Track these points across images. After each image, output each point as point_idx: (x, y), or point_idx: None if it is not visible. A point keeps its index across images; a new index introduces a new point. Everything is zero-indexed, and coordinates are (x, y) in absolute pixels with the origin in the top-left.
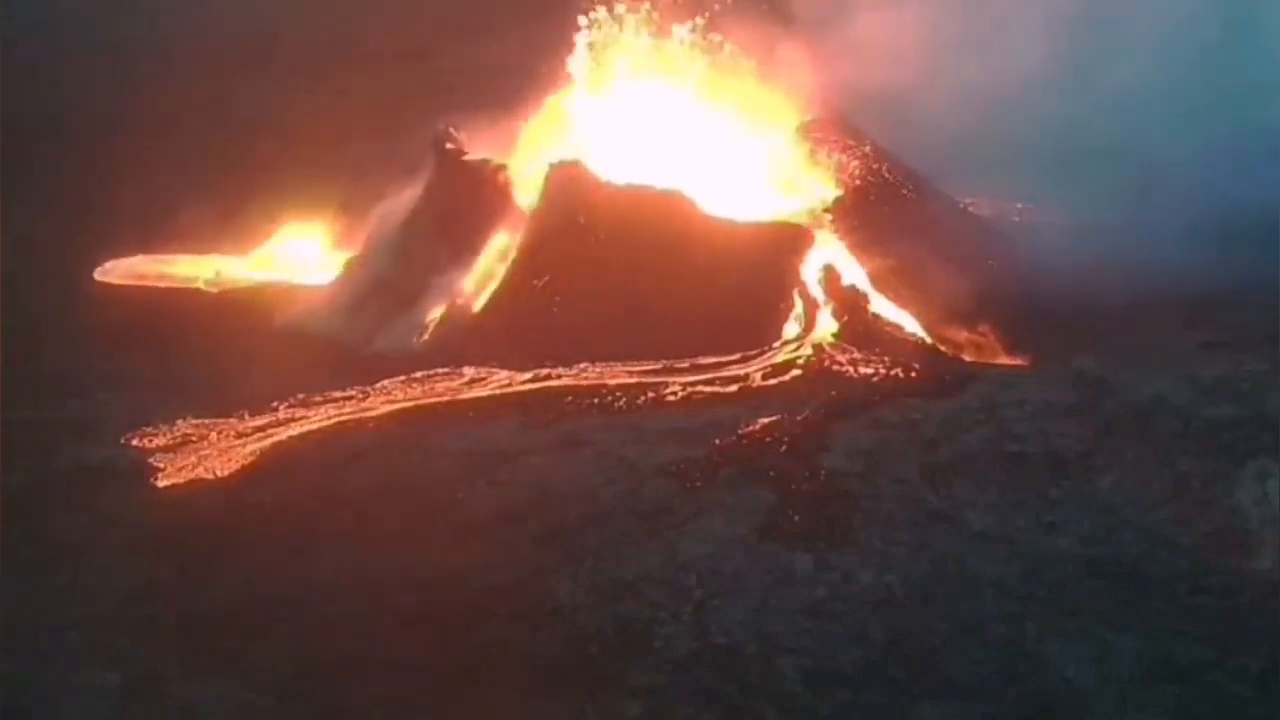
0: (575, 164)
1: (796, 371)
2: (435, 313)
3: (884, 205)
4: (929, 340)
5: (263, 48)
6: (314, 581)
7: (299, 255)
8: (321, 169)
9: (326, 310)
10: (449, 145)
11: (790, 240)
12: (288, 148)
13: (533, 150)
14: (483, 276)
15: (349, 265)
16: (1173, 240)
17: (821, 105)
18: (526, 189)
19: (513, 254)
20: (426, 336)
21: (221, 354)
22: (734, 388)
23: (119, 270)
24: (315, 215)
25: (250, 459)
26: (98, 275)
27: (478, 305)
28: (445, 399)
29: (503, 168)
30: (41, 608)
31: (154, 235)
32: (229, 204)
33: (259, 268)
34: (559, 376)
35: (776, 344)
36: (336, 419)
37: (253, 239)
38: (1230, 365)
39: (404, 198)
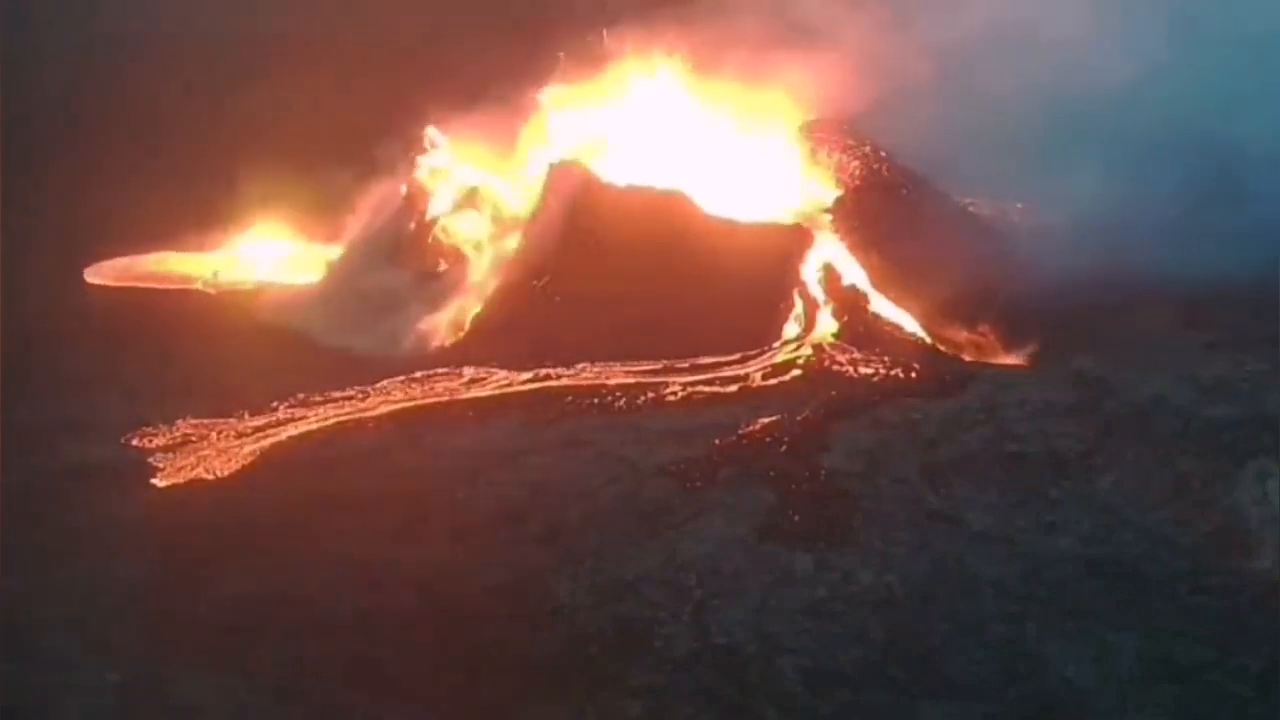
0: (575, 164)
1: (796, 371)
2: (428, 319)
3: (884, 205)
4: (929, 340)
5: (255, 48)
6: (314, 581)
7: (281, 252)
8: (307, 166)
9: (313, 310)
10: (429, 148)
11: (790, 240)
12: (276, 146)
13: (528, 151)
14: (471, 280)
15: (332, 265)
16: (1174, 240)
17: (824, 105)
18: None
19: (513, 254)
20: (413, 340)
21: (220, 355)
22: (734, 388)
23: (110, 271)
24: (300, 212)
25: (250, 459)
26: (89, 276)
27: (472, 310)
28: (445, 399)
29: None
30: (41, 607)
31: (144, 234)
32: (215, 201)
33: (249, 267)
34: (559, 376)
35: (776, 344)
36: (336, 419)
37: (240, 236)
38: (1230, 365)
39: (389, 199)
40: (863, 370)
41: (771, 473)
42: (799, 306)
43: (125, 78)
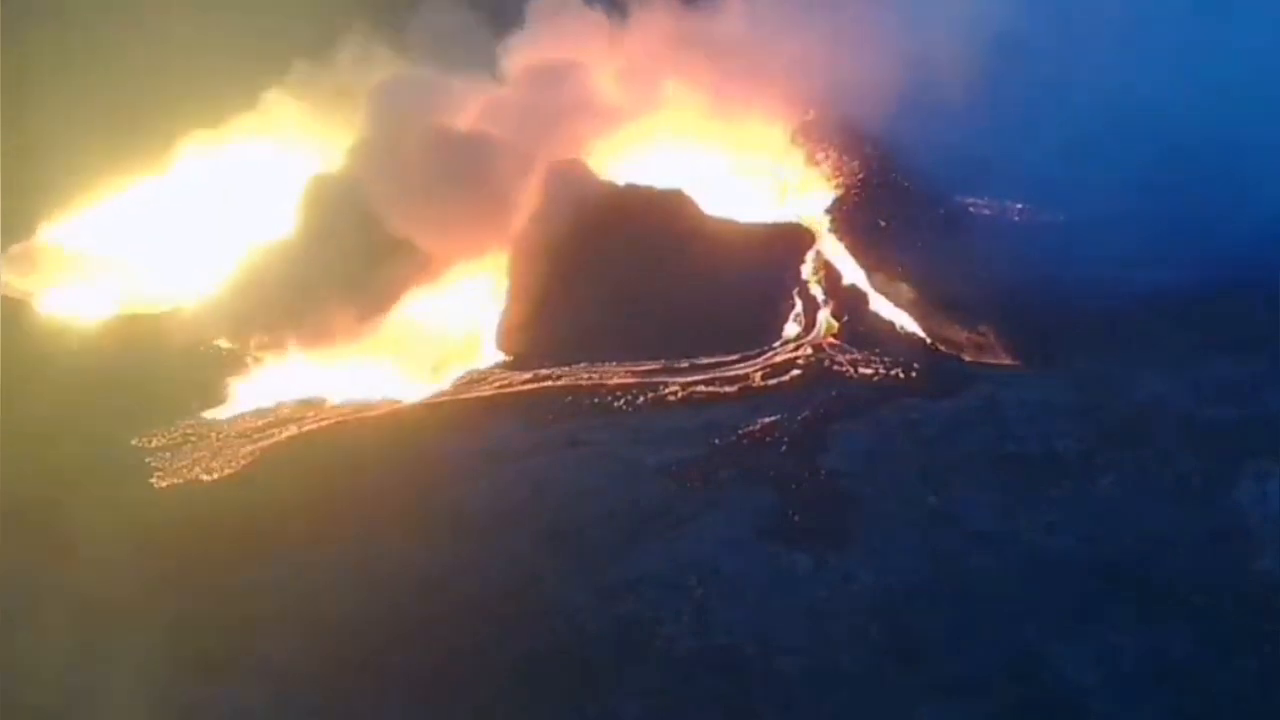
0: (575, 163)
1: (796, 371)
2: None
3: (884, 205)
4: (929, 340)
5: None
6: (314, 581)
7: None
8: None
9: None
10: None
11: (790, 240)
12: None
13: None
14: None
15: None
16: (1175, 240)
17: (822, 104)
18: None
19: (512, 254)
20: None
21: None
22: (734, 388)
23: (20, 262)
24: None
25: (250, 459)
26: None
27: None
28: (445, 399)
29: None
30: (41, 607)
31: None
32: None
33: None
34: (559, 376)
35: (776, 344)
36: (336, 419)
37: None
38: (1230, 365)
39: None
40: (863, 370)
41: (771, 473)
42: (799, 306)
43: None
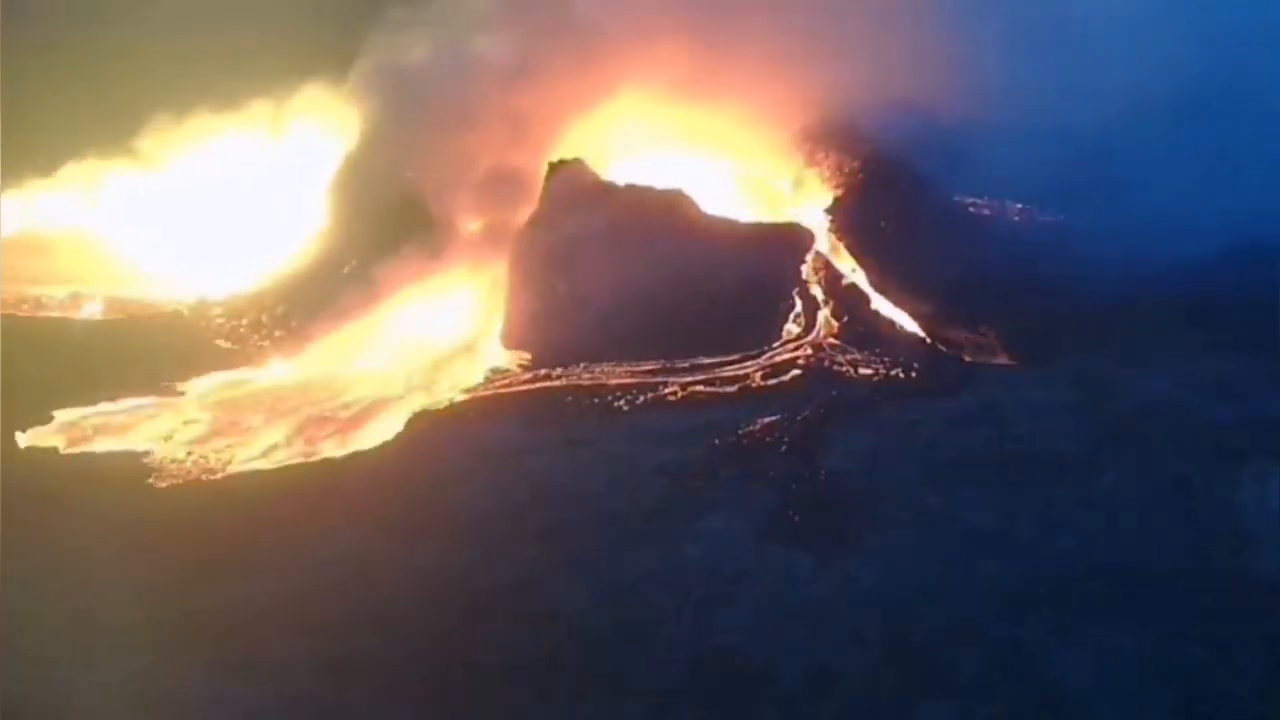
0: (576, 163)
1: (796, 371)
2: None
3: (884, 205)
4: (929, 340)
5: None
6: (314, 581)
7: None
8: None
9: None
10: None
11: (790, 240)
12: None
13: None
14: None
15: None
16: (1174, 241)
17: (824, 105)
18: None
19: (513, 253)
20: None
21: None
22: (734, 388)
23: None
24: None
25: (250, 459)
26: None
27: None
28: (445, 399)
29: None
30: (41, 608)
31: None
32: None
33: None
34: (559, 376)
35: (776, 344)
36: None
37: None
38: (1230, 365)
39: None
40: (863, 370)
41: (771, 473)
42: (799, 306)
43: None
